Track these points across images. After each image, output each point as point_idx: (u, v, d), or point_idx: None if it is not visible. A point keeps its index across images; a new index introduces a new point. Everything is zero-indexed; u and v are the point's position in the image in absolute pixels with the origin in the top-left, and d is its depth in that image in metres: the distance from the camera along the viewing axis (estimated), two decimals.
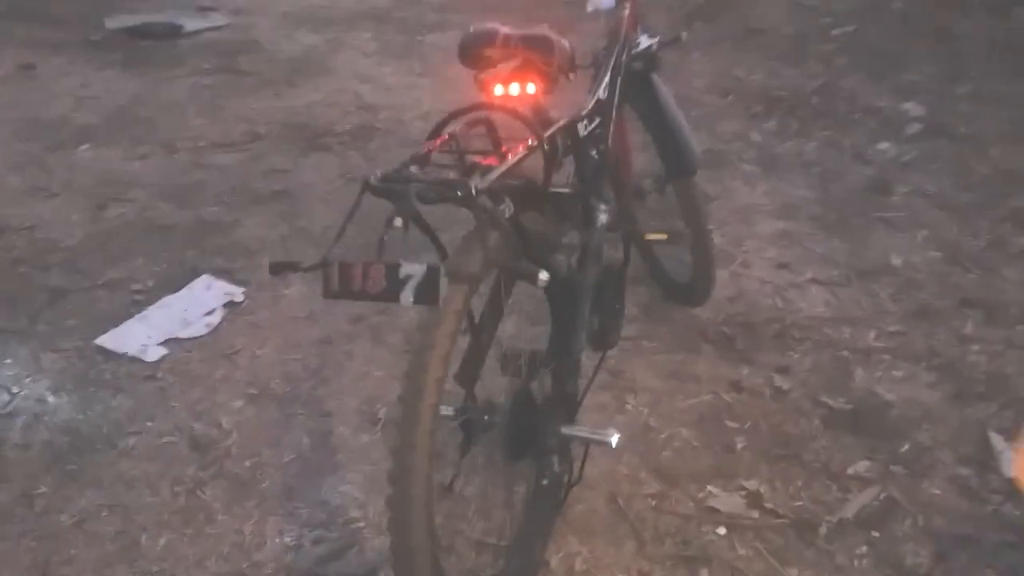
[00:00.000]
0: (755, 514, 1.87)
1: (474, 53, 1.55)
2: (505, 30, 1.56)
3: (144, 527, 1.85)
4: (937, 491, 1.92)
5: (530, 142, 1.42)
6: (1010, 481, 1.93)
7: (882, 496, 1.91)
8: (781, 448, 2.04)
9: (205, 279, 2.62)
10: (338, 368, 2.29)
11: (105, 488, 1.94)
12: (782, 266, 2.71)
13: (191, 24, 4.84)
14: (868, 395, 2.19)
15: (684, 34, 2.10)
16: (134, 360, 2.31)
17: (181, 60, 4.44)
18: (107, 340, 2.37)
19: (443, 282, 1.19)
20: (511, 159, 1.35)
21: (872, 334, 2.41)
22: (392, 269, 1.17)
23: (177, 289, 2.59)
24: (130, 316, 2.48)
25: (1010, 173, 3.20)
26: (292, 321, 2.48)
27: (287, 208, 3.04)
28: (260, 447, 2.05)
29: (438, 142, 1.34)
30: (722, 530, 1.84)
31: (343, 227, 1.26)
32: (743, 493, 1.92)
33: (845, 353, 2.34)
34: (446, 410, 1.62)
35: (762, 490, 1.92)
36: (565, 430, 1.59)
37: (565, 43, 1.61)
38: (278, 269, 1.29)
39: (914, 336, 2.40)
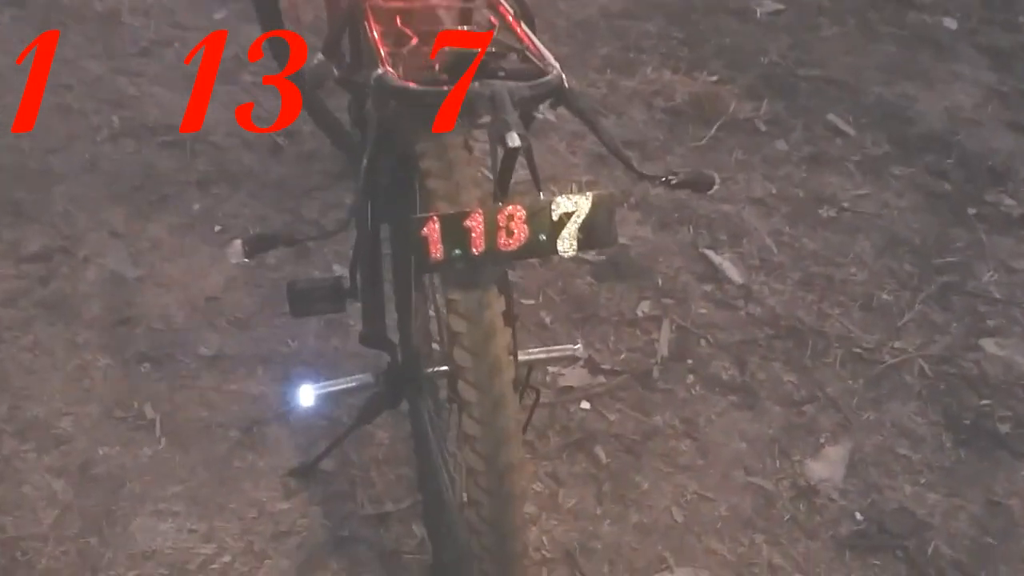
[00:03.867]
0: (601, 379, 1.92)
1: None
2: None
3: None
4: (703, 310, 2.18)
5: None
6: (741, 286, 2.28)
7: (674, 328, 2.10)
8: (579, 311, 2.09)
9: None
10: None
11: None
12: None
13: None
14: None
15: None
16: None
17: None
18: None
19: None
20: (534, 44, 1.05)
21: (573, 188, 2.55)
22: (540, 210, 0.84)
23: None
24: None
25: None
26: None
27: None
28: None
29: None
30: (585, 404, 1.86)
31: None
32: (581, 363, 1.94)
33: None
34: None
35: (591, 355, 1.97)
36: (524, 356, 1.37)
37: None
38: (255, 249, 0.84)
39: (603, 183, 2.60)
